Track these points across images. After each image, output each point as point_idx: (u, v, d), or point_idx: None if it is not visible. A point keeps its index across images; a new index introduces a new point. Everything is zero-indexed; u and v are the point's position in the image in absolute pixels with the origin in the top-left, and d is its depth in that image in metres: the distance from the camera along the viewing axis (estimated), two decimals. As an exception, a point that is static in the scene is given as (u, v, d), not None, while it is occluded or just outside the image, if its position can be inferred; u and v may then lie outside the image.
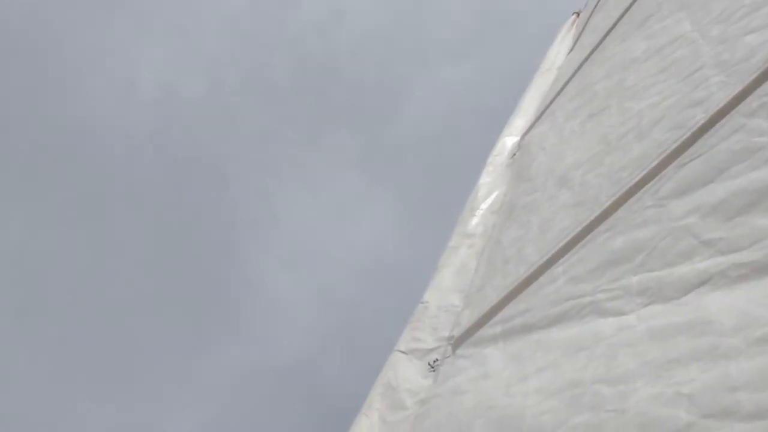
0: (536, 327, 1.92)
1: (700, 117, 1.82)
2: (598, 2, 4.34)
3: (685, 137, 1.82)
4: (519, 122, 3.97)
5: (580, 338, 1.67)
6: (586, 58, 3.35)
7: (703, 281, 1.41)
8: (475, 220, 3.20)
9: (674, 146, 1.84)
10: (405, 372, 2.47)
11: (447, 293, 2.78)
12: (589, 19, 4.43)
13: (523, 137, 3.67)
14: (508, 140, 3.81)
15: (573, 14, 5.53)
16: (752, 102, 1.66)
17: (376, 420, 2.31)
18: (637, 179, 1.88)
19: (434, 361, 2.43)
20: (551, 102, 3.53)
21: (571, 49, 4.59)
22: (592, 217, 1.98)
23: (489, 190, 3.40)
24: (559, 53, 4.88)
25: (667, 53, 2.34)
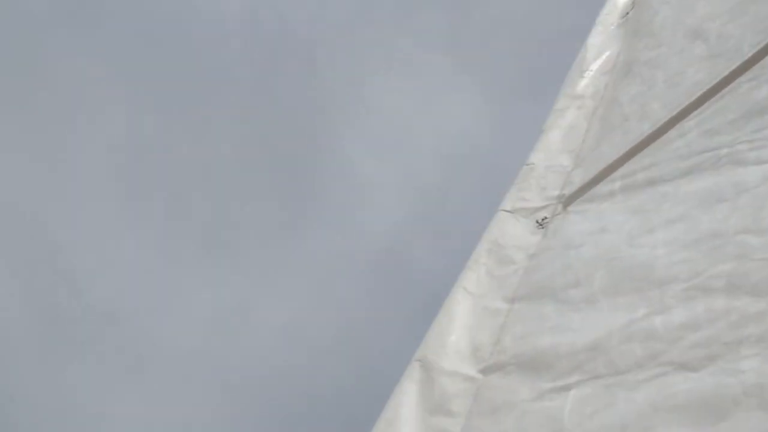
0: (662, 180, 1.83)
1: None
2: None
3: None
4: (633, -20, 3.70)
5: (718, 189, 1.59)
6: None
7: None
8: (584, 82, 3.04)
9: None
10: (512, 230, 2.43)
11: (555, 154, 2.68)
12: None
13: (638, -6, 3.43)
14: (620, -1, 3.57)
15: None
16: None
17: (483, 273, 2.30)
18: (790, 25, 1.73)
19: (543, 219, 2.38)
20: (674, -45, 3.26)
21: None
22: (732, 68, 1.85)
23: (599, 50, 3.21)
24: None
25: None
